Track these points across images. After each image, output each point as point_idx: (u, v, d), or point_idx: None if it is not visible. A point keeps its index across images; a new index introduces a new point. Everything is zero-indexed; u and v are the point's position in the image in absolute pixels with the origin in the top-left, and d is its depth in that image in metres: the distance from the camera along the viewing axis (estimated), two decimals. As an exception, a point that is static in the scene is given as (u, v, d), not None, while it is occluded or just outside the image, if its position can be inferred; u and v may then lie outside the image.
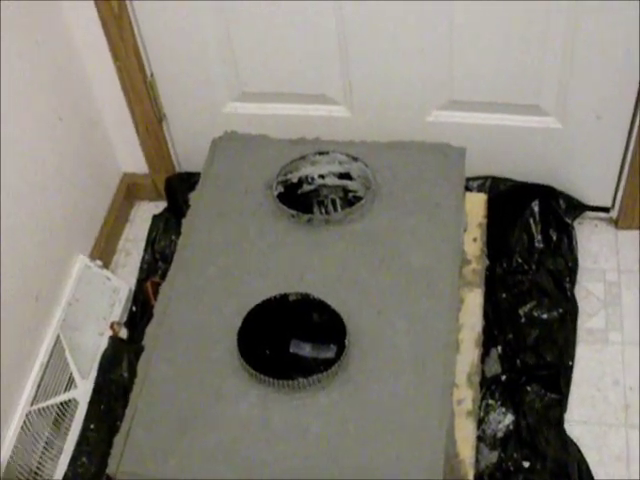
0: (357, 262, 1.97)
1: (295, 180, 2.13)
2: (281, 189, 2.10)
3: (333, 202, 2.17)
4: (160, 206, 2.56)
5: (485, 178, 2.37)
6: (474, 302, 2.03)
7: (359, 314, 1.87)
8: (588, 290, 2.29)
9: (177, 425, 1.77)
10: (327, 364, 1.80)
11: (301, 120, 2.32)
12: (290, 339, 1.93)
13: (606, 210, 2.41)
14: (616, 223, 2.41)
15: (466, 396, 1.89)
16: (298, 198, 2.14)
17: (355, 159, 2.10)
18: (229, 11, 2.13)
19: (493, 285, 2.24)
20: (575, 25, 2.02)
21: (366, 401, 1.76)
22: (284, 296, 1.89)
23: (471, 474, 1.82)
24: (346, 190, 2.15)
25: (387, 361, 1.81)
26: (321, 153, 2.12)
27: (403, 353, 1.82)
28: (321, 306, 1.87)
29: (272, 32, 2.16)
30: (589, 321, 2.24)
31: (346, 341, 1.80)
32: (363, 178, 2.10)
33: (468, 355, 1.94)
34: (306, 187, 2.15)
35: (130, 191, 2.59)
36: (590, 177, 2.34)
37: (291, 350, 1.93)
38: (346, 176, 2.13)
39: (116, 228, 2.53)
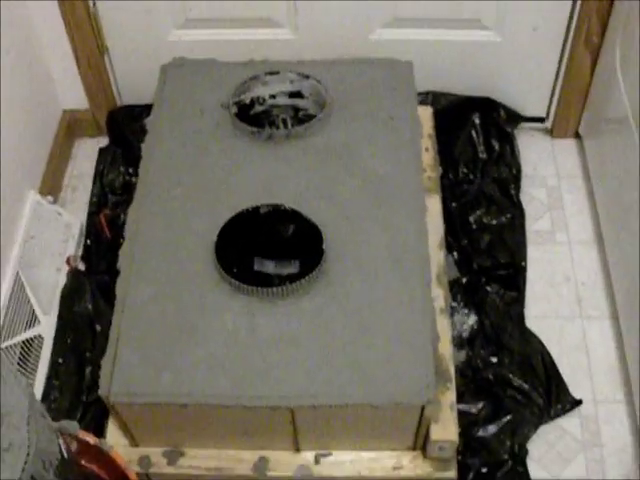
0: (321, 173, 2.01)
1: (247, 101, 2.15)
2: (235, 110, 2.11)
3: (284, 122, 2.19)
4: (102, 142, 2.53)
5: (427, 93, 2.43)
6: (434, 207, 2.08)
7: (330, 222, 1.90)
8: (532, 195, 2.39)
9: (164, 340, 1.78)
10: (291, 280, 1.83)
11: (247, 45, 2.32)
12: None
13: (541, 120, 2.50)
14: (551, 132, 2.51)
15: (438, 294, 1.95)
16: (250, 119, 2.16)
17: (307, 77, 2.12)
18: None
19: (443, 196, 2.28)
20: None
21: (350, 302, 1.81)
22: (255, 208, 1.91)
23: (452, 368, 1.88)
24: (297, 109, 2.18)
25: (364, 264, 1.86)
26: (272, 73, 2.14)
27: (379, 256, 1.87)
28: (293, 216, 1.90)
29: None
30: (536, 224, 2.34)
31: (324, 245, 1.84)
32: (315, 95, 2.13)
33: (435, 256, 1.98)
34: (258, 108, 2.16)
35: (71, 128, 2.55)
36: (526, 89, 2.43)
37: (255, 268, 1.95)
38: (297, 95, 2.16)
39: (60, 165, 2.49)
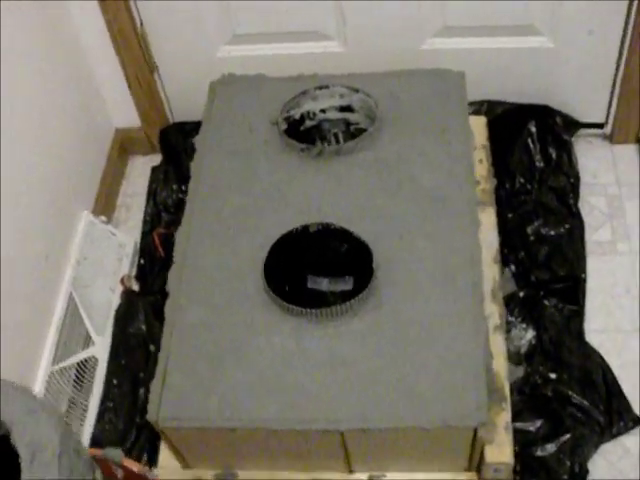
0: (372, 189, 1.97)
1: (297, 117, 2.12)
2: (285, 126, 2.09)
3: (336, 136, 2.16)
4: (154, 160, 2.53)
5: (481, 103, 2.38)
6: (488, 220, 2.04)
7: (381, 240, 1.87)
8: (591, 204, 2.32)
9: (213, 364, 1.77)
10: (345, 297, 1.81)
11: (296, 59, 2.30)
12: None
13: (600, 126, 2.43)
14: (611, 138, 2.44)
15: (492, 311, 1.90)
16: (301, 135, 2.14)
17: (356, 90, 2.09)
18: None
19: (499, 207, 2.24)
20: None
21: (400, 323, 1.78)
22: (305, 227, 1.89)
23: (507, 386, 1.84)
24: (348, 123, 2.15)
25: (415, 282, 1.82)
26: (321, 87, 2.11)
27: (430, 273, 1.83)
28: (343, 234, 1.87)
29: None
30: (596, 234, 2.27)
31: (374, 264, 1.81)
32: (365, 109, 2.09)
33: (489, 271, 1.95)
34: (308, 123, 2.14)
35: (124, 146, 2.56)
36: (583, 94, 2.36)
37: (309, 286, 1.93)
38: (347, 109, 2.13)
39: (113, 184, 2.50)
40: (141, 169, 2.54)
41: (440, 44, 2.28)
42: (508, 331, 2.08)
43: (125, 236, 2.36)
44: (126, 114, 2.48)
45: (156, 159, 2.53)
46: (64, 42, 2.25)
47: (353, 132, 2.14)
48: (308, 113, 2.13)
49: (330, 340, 1.76)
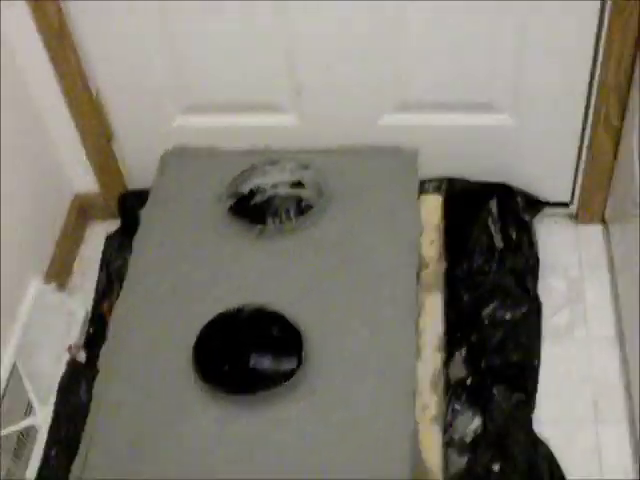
0: (313, 270, 1.94)
1: (246, 191, 2.10)
2: (232, 201, 2.06)
3: (287, 212, 2.13)
4: (115, 225, 2.49)
5: (441, 179, 2.32)
6: (434, 305, 1.99)
7: (318, 323, 1.84)
8: (551, 287, 2.25)
9: (136, 446, 1.73)
10: (289, 375, 1.77)
11: (252, 130, 2.27)
12: (251, 351, 1.86)
13: (566, 205, 2.37)
14: (576, 218, 2.38)
15: (430, 402, 1.85)
16: (251, 210, 2.11)
17: (306, 167, 2.07)
18: (172, 23, 2.09)
19: (454, 287, 2.20)
20: (523, 23, 2.00)
21: (328, 411, 1.74)
22: (239, 309, 1.86)
23: (441, 480, 1.79)
24: (299, 199, 2.12)
25: (348, 370, 1.79)
26: (271, 163, 2.09)
27: (364, 361, 1.80)
28: (277, 318, 1.84)
29: (216, 42, 2.11)
30: (553, 318, 2.20)
31: (303, 353, 1.77)
32: (315, 186, 2.06)
33: (430, 360, 1.90)
34: (258, 198, 2.11)
35: (83, 211, 2.53)
36: (547, 173, 2.31)
37: (251, 364, 1.88)
38: (298, 185, 2.10)
39: (71, 249, 2.47)
40: (101, 234, 2.49)
41: (398, 120, 2.23)
42: (454, 418, 2.03)
43: (76, 304, 2.32)
44: (86, 180, 2.46)
45: (117, 224, 2.49)
46: (19, 105, 2.23)
47: (304, 208, 2.11)
48: (258, 188, 2.10)
49: (255, 425, 1.72)
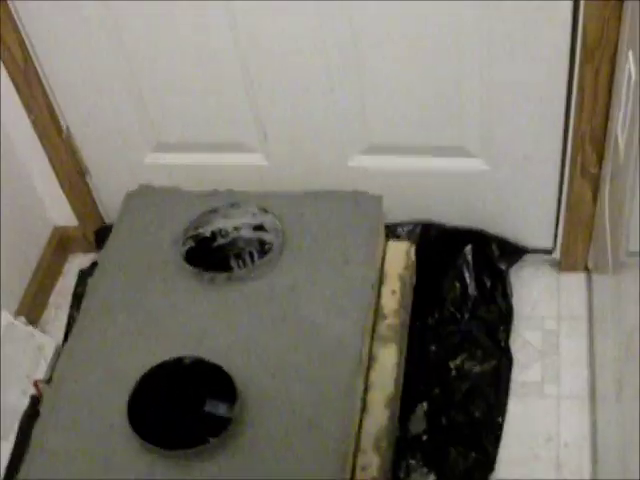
0: (258, 323, 1.89)
1: (208, 234, 2.06)
2: (191, 244, 2.03)
3: (251, 255, 2.09)
4: (94, 258, 2.46)
5: (415, 224, 2.24)
6: (388, 360, 1.92)
7: (255, 378, 1.79)
8: (525, 339, 2.16)
9: (64, 499, 1.73)
10: (222, 431, 1.71)
11: (220, 169, 2.23)
12: (185, 405, 1.83)
13: (548, 252, 2.27)
14: (559, 265, 2.28)
15: (371, 462, 1.79)
16: (213, 252, 2.08)
17: (266, 211, 2.02)
18: (134, 61, 2.06)
19: (423, 337, 2.13)
20: (490, 67, 1.91)
21: (256, 472, 1.69)
22: (176, 361, 1.82)
23: None
24: (263, 242, 2.08)
25: (281, 428, 1.73)
26: (232, 205, 2.05)
27: (299, 419, 1.74)
28: (215, 371, 1.80)
29: (179, 80, 2.08)
30: (523, 373, 2.10)
31: (235, 409, 1.73)
32: (276, 231, 2.02)
33: (377, 417, 1.83)
34: (221, 240, 2.08)
35: (62, 244, 2.52)
36: (526, 218, 2.21)
37: (185, 418, 1.84)
38: (261, 227, 2.06)
39: (47, 282, 2.47)
40: (79, 268, 2.49)
41: (368, 162, 2.16)
42: (407, 475, 1.96)
43: (46, 338, 2.30)
44: (63, 212, 2.45)
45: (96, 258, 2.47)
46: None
47: (267, 251, 2.06)
48: (220, 231, 2.06)
49: (182, 483, 1.70)
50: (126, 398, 1.77)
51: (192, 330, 1.89)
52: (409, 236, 2.22)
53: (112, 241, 2.08)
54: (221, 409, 1.82)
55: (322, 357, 1.81)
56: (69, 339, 1.94)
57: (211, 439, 1.71)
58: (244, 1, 1.90)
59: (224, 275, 1.95)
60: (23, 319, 2.27)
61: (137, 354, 1.87)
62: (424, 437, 2.00)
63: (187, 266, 1.95)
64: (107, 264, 2.04)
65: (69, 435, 1.79)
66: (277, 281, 1.94)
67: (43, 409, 1.85)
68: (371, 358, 1.92)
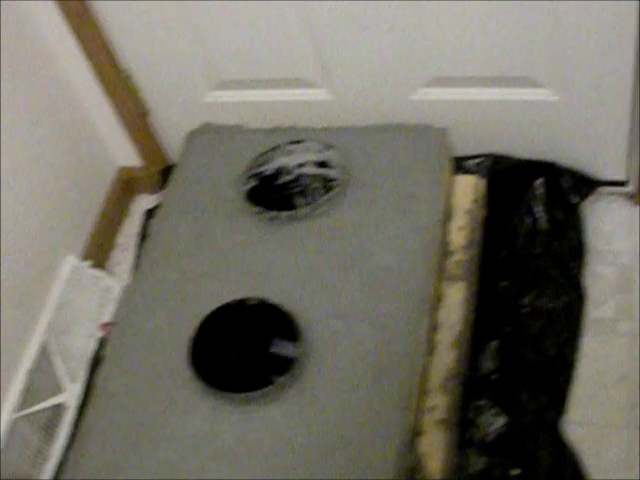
0: (322, 262, 1.86)
1: (271, 172, 2.02)
2: (254, 182, 1.99)
3: (314, 191, 2.05)
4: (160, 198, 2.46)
5: (485, 156, 2.17)
6: (456, 298, 1.87)
7: (320, 318, 1.77)
8: (598, 275, 2.08)
9: (127, 440, 1.72)
10: (284, 373, 1.69)
11: (282, 105, 2.19)
12: (247, 347, 1.81)
13: (622, 184, 2.18)
14: (634, 198, 2.17)
15: (439, 403, 1.75)
16: (277, 189, 2.04)
17: (329, 147, 1.97)
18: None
19: (494, 273, 2.07)
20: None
21: (320, 414, 1.67)
22: (239, 302, 1.80)
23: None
24: (327, 178, 2.03)
25: (345, 370, 1.71)
26: (295, 142, 2.01)
27: (363, 361, 1.71)
28: (277, 312, 1.77)
29: (239, 17, 2.03)
30: (597, 310, 2.03)
31: (299, 349, 1.70)
32: (340, 167, 1.97)
33: (445, 357, 1.79)
34: (284, 178, 2.04)
35: (127, 185, 2.51)
36: (599, 150, 2.12)
37: (247, 360, 1.81)
38: (325, 164, 2.01)
39: (113, 224, 2.46)
40: (145, 208, 2.48)
41: (432, 95, 2.10)
42: (477, 416, 1.91)
43: (113, 280, 2.31)
44: (128, 153, 2.43)
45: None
46: (52, 89, 2.21)
47: (332, 187, 2.02)
48: (283, 168, 2.02)
49: (245, 426, 1.67)
50: (185, 342, 1.77)
51: (256, 270, 1.87)
52: (478, 170, 2.16)
53: (174, 181, 2.06)
54: (287, 350, 1.80)
55: (387, 296, 1.77)
56: (131, 282, 1.94)
57: (274, 380, 1.69)
58: None
59: (287, 213, 1.91)
60: (89, 262, 2.27)
61: (200, 296, 1.85)
62: (494, 376, 1.96)
63: (249, 205, 1.92)
64: (169, 205, 2.02)
65: (132, 378, 1.79)
66: (341, 218, 1.89)
67: (106, 352, 1.86)
68: (439, 297, 1.88)
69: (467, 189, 2.01)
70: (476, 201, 2.01)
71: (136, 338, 1.84)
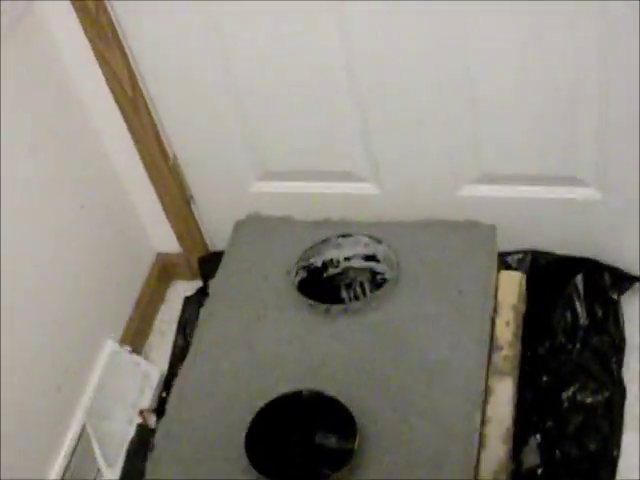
0: (375, 355, 1.88)
1: (319, 264, 2.06)
2: (303, 274, 2.03)
3: (362, 285, 2.09)
4: (197, 285, 2.48)
5: (525, 252, 2.21)
6: (504, 393, 1.89)
7: (375, 411, 1.78)
8: (638, 370, 2.12)
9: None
10: (340, 466, 1.69)
11: (329, 198, 2.23)
12: (303, 439, 1.83)
13: (661, 281, 2.24)
14: (676, 294, 2.23)
15: (491, 497, 1.78)
16: (324, 282, 2.07)
17: (379, 241, 2.01)
18: (244, 92, 2.06)
19: (534, 367, 2.10)
20: (607, 92, 1.87)
21: (375, 509, 1.69)
22: (295, 394, 1.81)
23: None
24: (374, 272, 2.07)
25: (402, 464, 1.71)
26: (344, 236, 2.05)
27: (419, 455, 1.72)
28: (333, 404, 1.79)
29: (290, 109, 2.07)
30: (637, 405, 2.06)
31: (355, 444, 1.71)
32: (389, 260, 2.01)
33: (495, 451, 1.81)
34: (332, 270, 2.07)
35: (165, 270, 2.53)
36: (638, 246, 2.16)
37: (303, 453, 1.84)
38: (373, 258, 2.05)
39: (151, 308, 2.47)
40: (182, 295, 2.49)
41: (478, 191, 2.14)
42: (522, 509, 1.93)
43: (151, 366, 2.31)
44: (167, 239, 2.46)
45: (198, 285, 2.47)
46: (98, 172, 2.25)
47: (379, 281, 2.06)
48: (331, 261, 2.06)
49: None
50: (242, 431, 1.76)
51: (309, 362, 1.88)
52: (519, 265, 2.20)
53: (222, 270, 2.09)
54: (342, 443, 1.81)
55: (442, 390, 1.80)
56: (181, 371, 1.94)
57: (331, 473, 1.70)
58: (359, 34, 1.90)
59: (340, 307, 1.94)
60: (128, 347, 2.28)
61: (253, 386, 1.86)
62: (539, 471, 1.98)
63: (302, 297, 1.95)
64: (217, 294, 2.05)
65: (184, 468, 1.79)
66: (393, 313, 1.92)
67: (157, 440, 1.86)
68: (487, 391, 1.90)
69: (512, 285, 2.05)
70: (520, 297, 2.05)
71: (189, 427, 1.84)
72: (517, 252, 2.22)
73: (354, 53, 1.94)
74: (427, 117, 2.02)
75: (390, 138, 2.09)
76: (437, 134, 2.05)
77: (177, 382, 1.93)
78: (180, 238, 2.45)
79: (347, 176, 2.20)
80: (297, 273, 2.01)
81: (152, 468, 1.81)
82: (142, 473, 2.11)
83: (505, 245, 2.16)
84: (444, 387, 1.80)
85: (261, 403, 1.79)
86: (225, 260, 2.11)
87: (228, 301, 2.03)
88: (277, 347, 1.92)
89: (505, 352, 1.97)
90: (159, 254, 2.52)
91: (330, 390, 1.79)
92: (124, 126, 2.18)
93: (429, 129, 2.04)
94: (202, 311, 2.02)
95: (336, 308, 1.93)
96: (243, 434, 1.75)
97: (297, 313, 1.96)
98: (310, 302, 1.94)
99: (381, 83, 1.98)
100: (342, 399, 1.77)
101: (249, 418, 1.77)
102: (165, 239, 2.46)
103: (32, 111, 2.00)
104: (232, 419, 1.81)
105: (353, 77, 1.98)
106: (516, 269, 2.19)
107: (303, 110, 2.08)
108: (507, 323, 2.00)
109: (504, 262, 2.20)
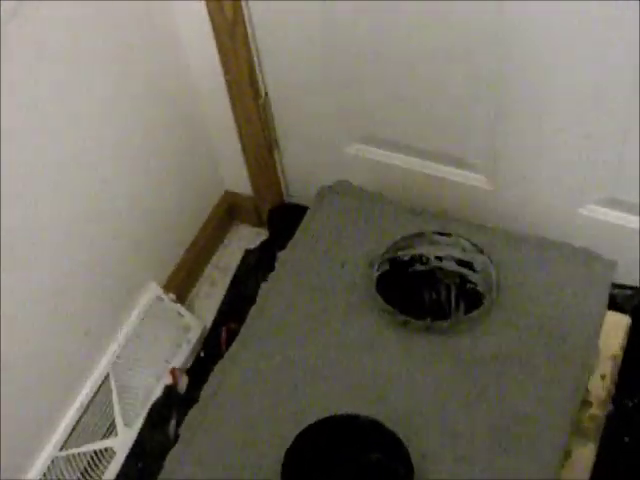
0: (451, 388, 1.60)
1: (407, 258, 1.78)
2: (386, 267, 1.76)
3: (447, 287, 1.81)
4: (261, 234, 2.23)
5: (636, 290, 1.95)
6: (583, 457, 1.65)
7: (435, 455, 1.52)
8: None
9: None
10: None
11: (432, 180, 1.96)
12: (347, 471, 1.58)
13: None
14: None
15: None
16: (407, 276, 1.80)
17: (481, 251, 1.73)
18: (345, 36, 1.77)
19: (617, 425, 1.85)
20: None
21: None
22: (350, 417, 1.55)
23: None
24: (464, 279, 1.80)
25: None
26: (443, 234, 1.76)
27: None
28: (390, 438, 1.54)
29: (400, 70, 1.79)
30: None
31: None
32: (486, 275, 1.73)
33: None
34: (418, 267, 1.79)
35: (230, 211, 2.28)
36: None
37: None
38: (467, 265, 1.78)
39: (205, 252, 2.23)
40: (244, 241, 2.24)
41: (601, 214, 1.87)
42: None
43: (194, 319, 2.07)
44: (239, 179, 2.20)
45: (263, 234, 2.22)
46: (183, 98, 2.01)
47: (468, 291, 1.78)
48: (421, 257, 1.78)
49: None
50: (278, 449, 1.51)
51: (372, 380, 1.61)
52: (625, 302, 1.93)
53: (295, 244, 1.81)
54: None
55: (516, 447, 1.53)
56: (228, 352, 1.69)
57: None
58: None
59: (421, 323, 1.67)
60: (172, 296, 2.04)
61: (302, 396, 1.60)
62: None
63: (379, 299, 1.68)
64: (284, 271, 1.78)
65: (209, 470, 1.56)
66: (481, 343, 1.64)
67: (183, 433, 1.61)
68: (567, 453, 1.65)
69: (617, 330, 1.77)
70: (623, 347, 1.77)
71: (220, 428, 1.59)
72: (627, 287, 1.95)
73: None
74: (569, 124, 1.73)
75: (519, 134, 1.80)
76: (575, 144, 1.76)
77: (218, 366, 1.68)
78: (254, 182, 2.19)
79: (459, 163, 1.93)
80: (380, 266, 1.74)
81: (172, 464, 1.57)
82: (157, 443, 1.92)
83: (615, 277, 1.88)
84: (520, 444, 1.53)
85: (306, 418, 1.54)
86: (300, 231, 1.82)
87: (294, 283, 1.75)
88: (338, 352, 1.65)
89: (593, 410, 1.71)
90: (227, 192, 2.26)
91: (389, 419, 1.53)
92: (216, 53, 1.90)
93: (569, 137, 1.75)
94: (263, 287, 1.75)
95: (416, 324, 1.67)
96: (279, 452, 1.51)
97: (370, 317, 1.68)
98: (387, 308, 1.68)
99: (526, 80, 1.69)
100: (401, 434, 1.52)
101: (287, 434, 1.51)
102: (237, 178, 2.20)
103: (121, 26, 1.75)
104: (268, 431, 1.57)
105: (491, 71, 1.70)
106: (622, 306, 1.92)
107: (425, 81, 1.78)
108: (603, 377, 1.74)
109: (610, 294, 1.92)
